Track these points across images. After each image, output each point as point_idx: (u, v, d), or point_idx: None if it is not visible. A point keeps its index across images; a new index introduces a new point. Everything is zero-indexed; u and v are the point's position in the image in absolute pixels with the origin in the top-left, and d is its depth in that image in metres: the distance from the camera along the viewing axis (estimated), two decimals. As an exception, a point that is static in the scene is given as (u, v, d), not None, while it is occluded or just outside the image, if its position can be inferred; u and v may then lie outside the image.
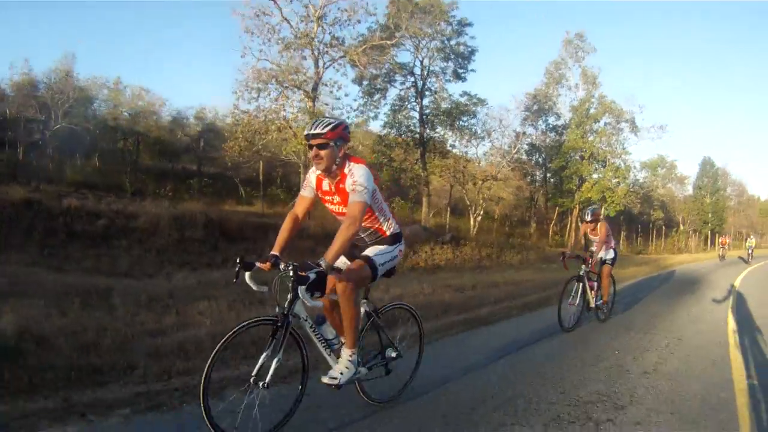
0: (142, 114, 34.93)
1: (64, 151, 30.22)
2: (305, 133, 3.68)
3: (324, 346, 3.81)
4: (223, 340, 3.25)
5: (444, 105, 28.67)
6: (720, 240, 36.15)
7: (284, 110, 22.17)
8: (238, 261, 3.44)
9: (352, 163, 3.73)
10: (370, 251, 3.91)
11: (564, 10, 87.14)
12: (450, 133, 29.78)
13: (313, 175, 3.87)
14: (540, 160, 37.38)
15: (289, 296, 3.45)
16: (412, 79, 28.28)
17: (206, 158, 34.43)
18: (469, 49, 28.67)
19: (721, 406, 4.77)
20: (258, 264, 3.50)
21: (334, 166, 3.68)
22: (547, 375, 5.47)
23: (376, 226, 3.97)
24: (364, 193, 3.58)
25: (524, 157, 34.92)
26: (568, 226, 38.94)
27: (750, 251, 31.78)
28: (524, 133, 34.93)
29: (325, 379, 3.80)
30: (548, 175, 37.95)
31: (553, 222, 39.77)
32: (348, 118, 25.94)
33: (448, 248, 22.24)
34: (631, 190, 38.24)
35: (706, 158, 57.99)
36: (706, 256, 36.45)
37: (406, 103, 28.78)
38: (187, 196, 24.92)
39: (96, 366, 4.78)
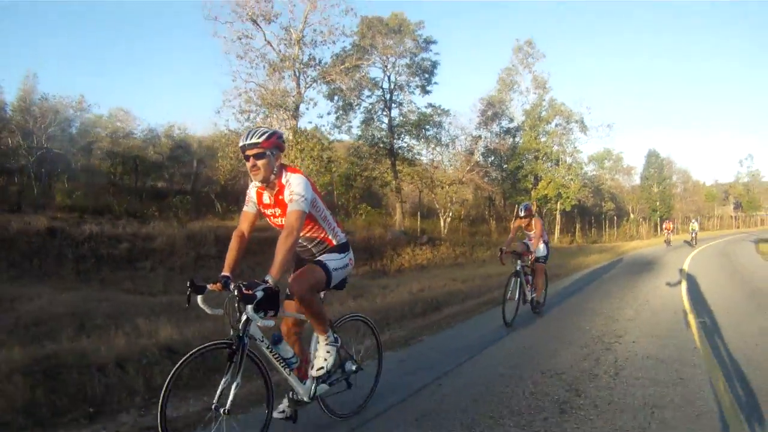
0: (121, 134, 35.80)
1: (51, 176, 30.33)
2: (240, 144, 3.60)
3: (283, 366, 3.70)
4: (175, 367, 3.11)
5: (412, 116, 30.85)
6: (665, 225, 37.10)
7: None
8: (188, 285, 3.36)
9: (289, 173, 3.72)
10: (322, 257, 3.93)
11: (513, 16, 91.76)
12: (417, 143, 31.85)
13: (253, 189, 3.86)
14: (496, 161, 39.19)
15: (243, 317, 3.34)
16: (380, 92, 30.19)
17: (179, 175, 35.77)
18: (433, 63, 30.91)
19: (682, 332, 7.55)
20: (209, 286, 3.45)
21: (272, 176, 3.66)
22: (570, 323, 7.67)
23: (322, 235, 3.96)
24: (301, 202, 3.56)
25: (481, 159, 36.64)
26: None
27: (694, 234, 33.05)
28: (480, 136, 36.88)
29: (313, 372, 3.91)
30: (504, 175, 39.93)
31: (512, 220, 41.86)
32: (328, 132, 28.16)
33: (426, 249, 24.42)
34: (584, 185, 40.96)
35: (651, 150, 61.13)
36: (657, 241, 38.79)
37: (375, 115, 30.75)
38: (171, 214, 26.02)
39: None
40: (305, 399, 3.86)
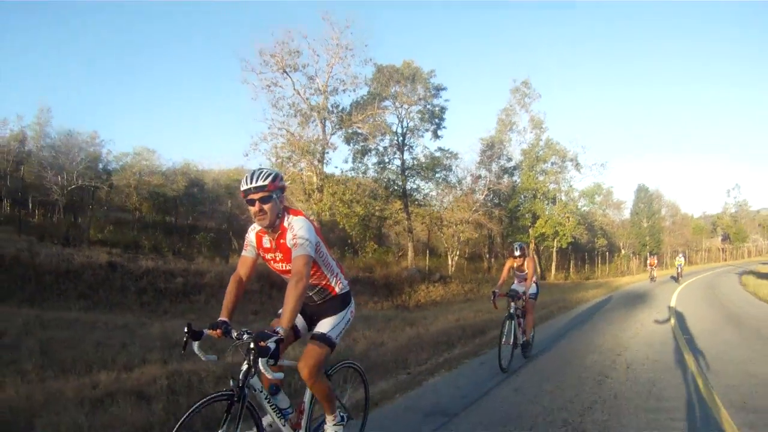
0: (145, 172, 37.33)
1: (78, 211, 32.49)
2: (244, 188, 3.44)
3: (279, 416, 3.62)
4: (180, 421, 2.99)
5: (423, 159, 33.46)
6: (649, 261, 37.54)
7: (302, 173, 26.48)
8: (185, 330, 3.23)
9: (291, 216, 3.60)
10: (323, 327, 3.80)
11: (508, 55, 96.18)
12: (428, 184, 34.46)
13: (252, 233, 3.73)
14: (495, 200, 40.86)
15: (244, 367, 3.20)
16: (393, 136, 32.61)
17: (198, 212, 37.66)
18: (442, 109, 33.62)
19: (670, 342, 9.35)
20: (207, 332, 3.31)
21: (277, 220, 3.54)
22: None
23: (324, 282, 3.85)
24: (306, 246, 3.43)
25: (481, 198, 38.24)
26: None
27: (679, 269, 32.86)
28: (480, 176, 38.98)
29: None
30: (504, 214, 41.55)
31: (506, 259, 43.83)
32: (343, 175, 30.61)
33: (439, 286, 26.64)
34: (579, 223, 43.25)
35: (640, 185, 63.25)
36: (646, 276, 39.90)
37: (389, 157, 33.19)
38: (196, 251, 27.78)
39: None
40: None
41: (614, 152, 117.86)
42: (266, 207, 3.42)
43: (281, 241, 3.59)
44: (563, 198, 43.28)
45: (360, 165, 32.46)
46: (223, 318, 3.38)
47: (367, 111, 28.52)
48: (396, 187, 32.94)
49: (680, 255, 36.62)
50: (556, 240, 42.34)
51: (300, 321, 3.94)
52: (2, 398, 5.41)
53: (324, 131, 27.57)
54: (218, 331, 3.25)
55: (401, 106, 31.75)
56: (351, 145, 31.62)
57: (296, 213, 3.64)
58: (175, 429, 2.93)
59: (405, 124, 32.80)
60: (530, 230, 41.81)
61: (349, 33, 27.48)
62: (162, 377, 6.15)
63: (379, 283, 25.10)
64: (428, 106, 32.88)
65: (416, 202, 33.69)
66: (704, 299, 19.74)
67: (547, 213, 41.69)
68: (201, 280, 19.42)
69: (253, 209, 3.45)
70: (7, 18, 59.88)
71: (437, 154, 33.97)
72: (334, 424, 3.94)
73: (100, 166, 36.35)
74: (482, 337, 10.83)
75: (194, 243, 29.86)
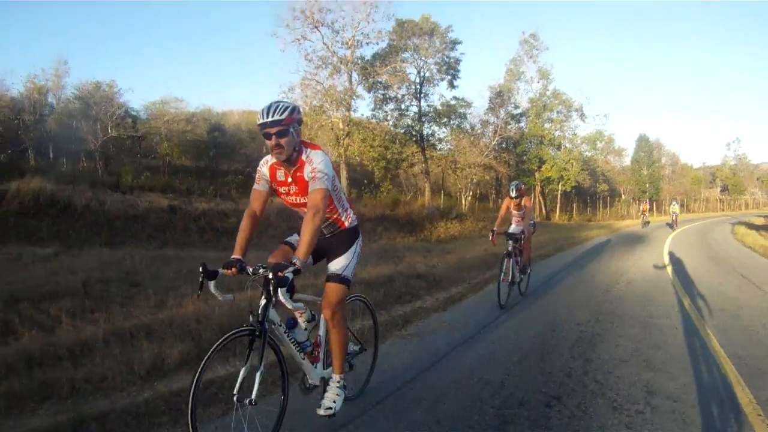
0: (174, 120, 38.54)
1: (117, 159, 34.48)
2: (260, 122, 3.33)
3: (298, 350, 3.60)
4: (205, 358, 2.96)
5: (439, 107, 35.87)
6: (641, 207, 37.94)
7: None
8: (200, 270, 3.13)
9: (309, 149, 3.51)
10: (337, 267, 3.78)
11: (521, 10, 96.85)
12: (443, 130, 36.76)
13: (265, 166, 3.63)
14: (503, 145, 42.97)
15: (262, 301, 3.20)
16: (411, 86, 34.69)
17: (222, 155, 39.61)
18: (457, 60, 35.63)
19: (665, 281, 11.31)
20: (222, 271, 3.23)
21: (294, 154, 3.45)
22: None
23: (335, 216, 3.81)
24: (325, 180, 3.37)
25: (492, 143, 40.23)
26: (532, 199, 45.80)
27: (674, 216, 33.00)
28: (488, 121, 41.31)
29: (320, 411, 3.68)
30: (511, 157, 43.97)
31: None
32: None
33: (456, 223, 29.20)
34: (583, 169, 45.56)
35: (641, 135, 65.14)
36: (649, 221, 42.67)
37: (407, 104, 35.42)
38: (226, 192, 29.69)
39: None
40: (317, 383, 3.81)
41: (618, 103, 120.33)
42: (283, 141, 3.36)
43: (298, 174, 3.53)
44: (568, 145, 45.42)
45: (380, 112, 34.72)
46: (236, 256, 3.34)
47: (390, 62, 30.81)
48: (413, 133, 35.16)
49: (674, 203, 36.64)
50: (560, 183, 44.77)
51: None
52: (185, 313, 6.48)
53: (351, 82, 29.87)
54: (233, 269, 3.23)
55: (420, 57, 33.89)
56: (372, 93, 33.74)
57: (314, 147, 3.57)
58: (200, 366, 2.93)
59: (423, 74, 34.88)
60: (536, 174, 44.16)
61: None
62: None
63: (403, 220, 27.74)
64: (445, 58, 34.85)
65: (432, 147, 36.04)
66: (695, 243, 21.62)
67: (552, 158, 43.83)
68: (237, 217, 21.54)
69: (269, 143, 3.38)
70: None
71: (452, 102, 36.37)
72: (338, 387, 3.79)
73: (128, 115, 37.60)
74: None
75: (224, 185, 31.45)
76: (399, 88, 33.54)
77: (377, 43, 30.79)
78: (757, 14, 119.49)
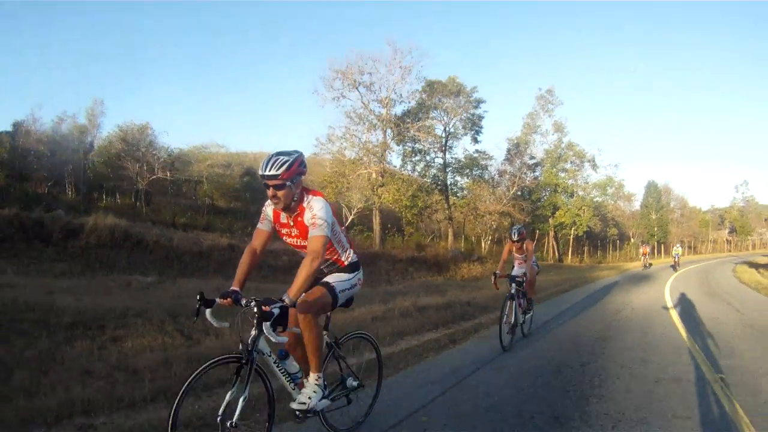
0: (217, 164, 41.19)
1: (159, 198, 37.17)
2: (260, 172, 3.59)
3: (288, 381, 3.79)
4: (187, 381, 3.15)
5: (463, 160, 39.59)
6: (641, 250, 39.43)
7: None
8: (198, 298, 3.37)
9: (310, 197, 3.73)
10: (329, 278, 3.95)
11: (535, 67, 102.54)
12: (465, 180, 40.16)
13: (269, 208, 3.86)
14: (518, 192, 45.31)
15: (252, 332, 3.38)
16: (436, 140, 38.22)
17: (254, 199, 42.16)
18: (480, 117, 39.39)
19: (662, 308, 13.93)
20: (218, 300, 3.45)
21: (293, 203, 3.67)
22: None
23: (335, 257, 3.99)
24: (324, 227, 3.58)
25: (510, 192, 43.22)
26: (546, 244, 49.33)
27: (677, 258, 33.84)
28: (505, 171, 44.53)
29: (293, 405, 3.82)
30: (529, 205, 46.30)
31: (535, 239, 49.32)
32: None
33: (477, 265, 31.93)
34: (594, 215, 48.55)
35: (650, 181, 68.13)
36: (654, 261, 44.83)
37: (432, 157, 39.06)
38: None
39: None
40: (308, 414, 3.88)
41: (627, 149, 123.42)
42: (280, 193, 3.57)
43: (299, 219, 3.73)
44: (580, 193, 48.57)
45: (409, 163, 38.38)
46: (234, 288, 3.51)
47: (420, 119, 34.62)
48: (438, 182, 38.64)
49: (677, 245, 37.98)
50: (573, 229, 47.80)
51: None
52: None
53: (385, 137, 33.33)
54: (228, 299, 3.41)
55: (447, 115, 37.70)
56: (402, 146, 37.32)
57: (316, 194, 3.77)
58: (183, 387, 3.12)
59: (448, 129, 38.60)
60: (550, 220, 47.19)
61: (410, 56, 33.38)
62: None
63: (430, 262, 30.51)
64: (469, 116, 38.64)
65: (455, 195, 39.40)
66: (695, 281, 23.70)
67: (566, 205, 46.97)
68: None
69: (268, 192, 3.61)
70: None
71: (475, 155, 40.10)
72: (316, 383, 3.90)
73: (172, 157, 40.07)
74: (536, 295, 16.04)
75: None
76: (426, 141, 37.05)
77: (409, 102, 34.71)
78: (762, 56, 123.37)
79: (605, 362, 7.25)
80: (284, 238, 3.91)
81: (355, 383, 4.35)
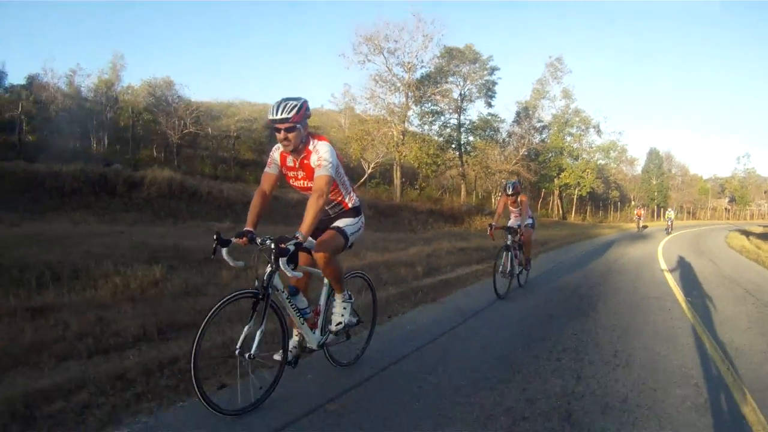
0: (242, 118, 42.96)
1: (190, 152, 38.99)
2: (271, 117, 3.72)
3: (298, 315, 3.94)
4: (208, 315, 3.29)
5: (477, 121, 42.38)
6: (636, 212, 39.87)
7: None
8: (215, 237, 3.50)
9: (316, 140, 3.89)
10: (339, 222, 4.19)
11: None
12: (480, 140, 42.53)
13: (276, 152, 4.02)
14: (525, 153, 47.40)
15: (268, 269, 3.54)
16: (452, 102, 40.78)
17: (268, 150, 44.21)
18: (494, 83, 41.90)
19: (654, 259, 16.78)
20: (234, 240, 3.60)
21: (300, 145, 3.81)
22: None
23: (339, 198, 4.21)
24: (329, 168, 3.75)
25: (519, 153, 45.65)
26: (551, 202, 52.31)
27: (670, 222, 34.54)
28: (515, 132, 46.91)
29: (332, 327, 4.24)
30: (536, 165, 48.74)
31: (541, 198, 52.69)
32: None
33: (489, 218, 34.56)
34: (597, 177, 51.01)
35: (652, 149, 70.31)
36: (651, 224, 47.63)
37: (448, 118, 41.60)
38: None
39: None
40: (314, 347, 4.16)
41: (631, 114, 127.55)
42: (290, 136, 3.72)
43: (305, 161, 3.90)
44: (585, 156, 50.90)
45: (427, 123, 40.88)
46: (248, 228, 3.73)
47: (439, 84, 37.29)
48: (452, 141, 41.48)
49: (670, 209, 38.80)
50: (576, 189, 50.46)
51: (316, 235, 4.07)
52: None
53: (407, 99, 35.96)
54: (244, 239, 3.61)
55: (463, 80, 40.18)
56: (420, 107, 39.56)
57: (320, 138, 3.96)
58: (204, 321, 3.29)
59: (463, 93, 41.03)
60: (555, 180, 49.73)
61: (432, 26, 35.68)
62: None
63: (447, 214, 33.60)
64: (483, 82, 41.15)
65: (468, 154, 42.06)
66: (686, 243, 25.36)
67: (570, 167, 49.30)
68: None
69: (278, 136, 3.74)
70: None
71: (488, 117, 42.75)
72: (343, 300, 4.33)
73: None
74: (545, 246, 19.04)
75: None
76: (443, 103, 39.67)
77: (429, 67, 37.22)
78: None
79: (606, 288, 10.04)
80: (291, 181, 4.11)
81: (354, 319, 4.55)
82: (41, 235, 12.57)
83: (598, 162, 52.99)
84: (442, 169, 40.88)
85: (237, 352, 3.50)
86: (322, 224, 4.15)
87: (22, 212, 17.76)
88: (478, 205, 40.63)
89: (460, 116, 41.31)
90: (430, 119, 40.43)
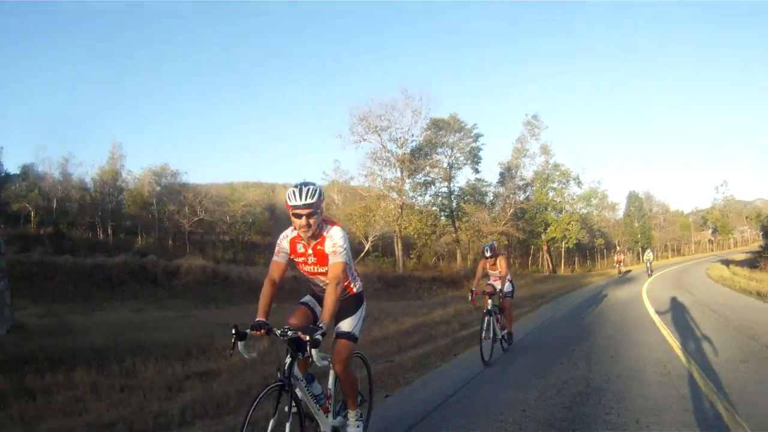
0: (248, 203, 45.68)
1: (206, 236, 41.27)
2: (293, 203, 3.72)
3: (314, 402, 3.99)
4: (246, 416, 3.32)
5: (465, 187, 45.86)
6: (616, 258, 39.99)
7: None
8: (233, 332, 3.52)
9: (329, 226, 3.96)
10: (346, 326, 4.18)
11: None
12: (469, 205, 45.63)
13: (285, 241, 4.03)
14: (514, 212, 49.57)
15: (287, 360, 3.59)
16: (440, 171, 44.00)
17: (276, 228, 44.15)
18: (479, 149, 45.60)
19: (638, 296, 19.28)
20: (250, 332, 3.59)
21: (317, 230, 3.86)
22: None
23: (346, 283, 4.14)
24: (344, 254, 3.84)
25: (508, 214, 47.89)
26: (540, 257, 54.33)
27: (648, 264, 34.20)
28: (500, 193, 49.51)
29: None
30: (524, 224, 50.60)
31: (531, 255, 55.02)
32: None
33: (485, 281, 37.36)
34: (581, 228, 53.45)
35: (631, 192, 72.35)
36: (637, 267, 49.25)
37: (438, 186, 45.04)
38: None
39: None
40: (327, 431, 4.14)
41: (609, 157, 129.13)
42: (312, 221, 3.74)
43: (318, 247, 3.95)
44: (568, 208, 53.26)
45: (419, 193, 44.47)
46: (261, 318, 3.70)
47: (430, 156, 41.28)
48: (445, 209, 44.87)
49: (648, 251, 38.42)
50: (564, 242, 52.57)
51: (318, 310, 4.22)
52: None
53: (402, 174, 39.51)
54: (262, 330, 3.57)
55: (451, 149, 43.87)
56: (411, 179, 42.77)
57: (333, 223, 4.03)
58: (246, 419, 3.31)
59: (451, 161, 44.62)
60: (543, 235, 51.80)
61: (419, 101, 39.47)
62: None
63: (447, 280, 35.99)
64: (469, 149, 44.84)
65: (459, 219, 45.10)
66: (669, 279, 28.25)
67: (555, 221, 51.41)
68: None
69: (299, 222, 3.75)
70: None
71: (475, 182, 46.43)
72: (356, 420, 4.31)
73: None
74: (543, 298, 21.25)
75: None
76: (433, 173, 43.19)
77: (418, 140, 40.92)
78: (734, 58, 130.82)
79: (598, 319, 12.78)
80: (300, 266, 4.13)
81: (362, 413, 4.55)
82: (120, 322, 14.57)
83: (581, 211, 55.00)
84: (436, 237, 43.68)
85: None
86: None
87: (80, 302, 19.97)
88: (473, 268, 42.48)
89: (450, 184, 44.81)
90: (422, 190, 44.02)
